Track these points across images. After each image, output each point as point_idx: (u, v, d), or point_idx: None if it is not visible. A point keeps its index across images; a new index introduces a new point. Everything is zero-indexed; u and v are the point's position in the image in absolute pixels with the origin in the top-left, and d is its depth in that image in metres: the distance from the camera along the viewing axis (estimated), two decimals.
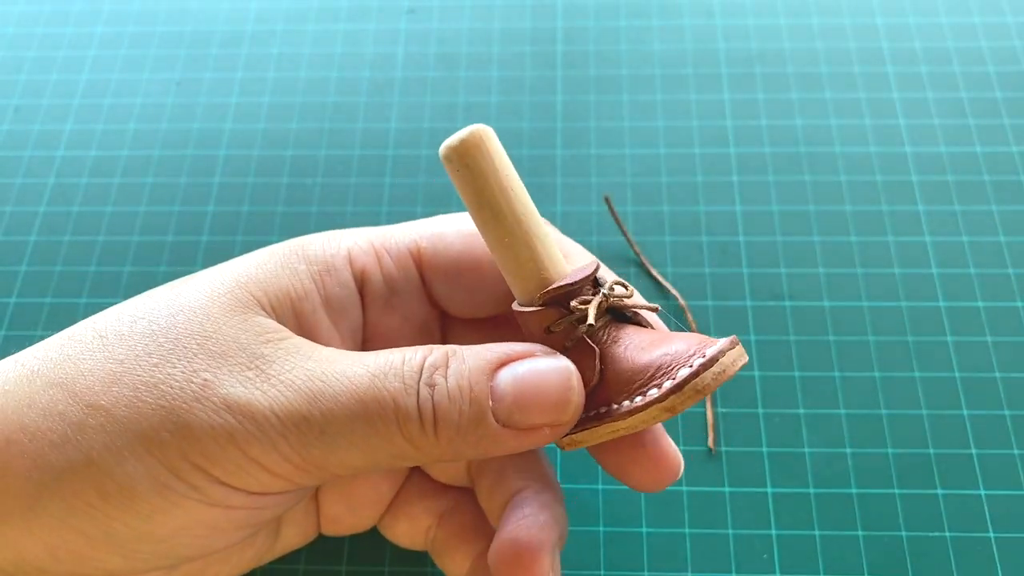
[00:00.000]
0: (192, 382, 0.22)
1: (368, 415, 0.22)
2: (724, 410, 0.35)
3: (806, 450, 0.34)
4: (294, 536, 0.30)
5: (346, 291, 0.26)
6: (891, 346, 0.36)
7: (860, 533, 0.32)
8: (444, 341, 0.29)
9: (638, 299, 0.26)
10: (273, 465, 0.22)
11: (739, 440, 0.34)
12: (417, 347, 0.24)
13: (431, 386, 0.23)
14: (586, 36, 0.46)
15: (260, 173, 0.42)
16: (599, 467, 0.33)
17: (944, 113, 0.42)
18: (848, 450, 0.34)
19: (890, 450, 0.34)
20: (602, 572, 0.32)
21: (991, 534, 0.32)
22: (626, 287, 0.25)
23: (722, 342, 0.23)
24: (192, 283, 0.25)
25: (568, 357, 0.24)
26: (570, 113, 0.43)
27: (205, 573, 0.26)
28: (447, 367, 0.23)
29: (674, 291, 0.37)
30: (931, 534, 0.32)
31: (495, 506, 0.28)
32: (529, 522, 0.26)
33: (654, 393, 0.23)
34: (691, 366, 0.23)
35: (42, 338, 0.37)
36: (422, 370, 0.23)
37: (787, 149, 0.41)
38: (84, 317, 0.38)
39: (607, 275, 0.26)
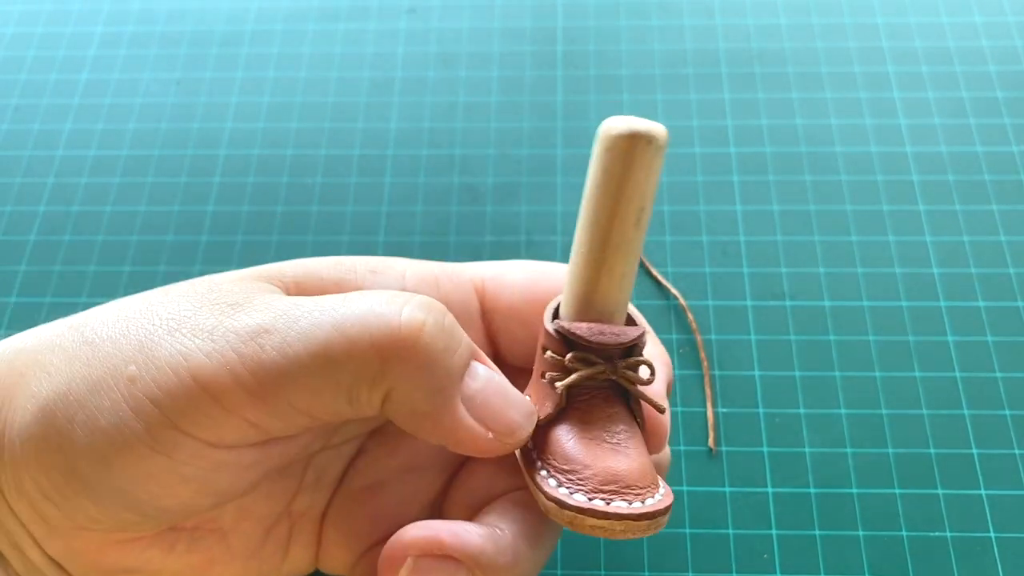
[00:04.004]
0: (172, 318, 0.22)
1: (344, 325, 0.21)
2: (724, 410, 0.35)
3: (806, 450, 0.34)
4: (303, 559, 0.28)
5: None
6: (891, 346, 0.36)
7: (860, 533, 0.32)
8: None
9: (653, 390, 0.25)
10: (225, 395, 0.21)
11: (739, 440, 0.34)
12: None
13: (422, 319, 0.22)
14: (586, 36, 0.46)
15: (260, 173, 0.42)
16: None
17: (945, 113, 0.42)
18: (848, 450, 0.34)
19: (890, 450, 0.34)
20: (602, 572, 0.32)
21: (991, 534, 0.32)
22: (651, 370, 0.24)
23: (667, 496, 0.23)
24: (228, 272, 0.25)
25: (538, 384, 0.25)
26: (570, 113, 0.43)
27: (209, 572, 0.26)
28: (444, 310, 0.23)
29: (674, 291, 0.37)
30: (931, 534, 0.32)
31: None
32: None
33: (637, 507, 0.22)
34: (653, 498, 0.22)
35: None
36: (414, 297, 0.23)
37: (787, 149, 0.41)
38: None
39: (649, 347, 0.25)
